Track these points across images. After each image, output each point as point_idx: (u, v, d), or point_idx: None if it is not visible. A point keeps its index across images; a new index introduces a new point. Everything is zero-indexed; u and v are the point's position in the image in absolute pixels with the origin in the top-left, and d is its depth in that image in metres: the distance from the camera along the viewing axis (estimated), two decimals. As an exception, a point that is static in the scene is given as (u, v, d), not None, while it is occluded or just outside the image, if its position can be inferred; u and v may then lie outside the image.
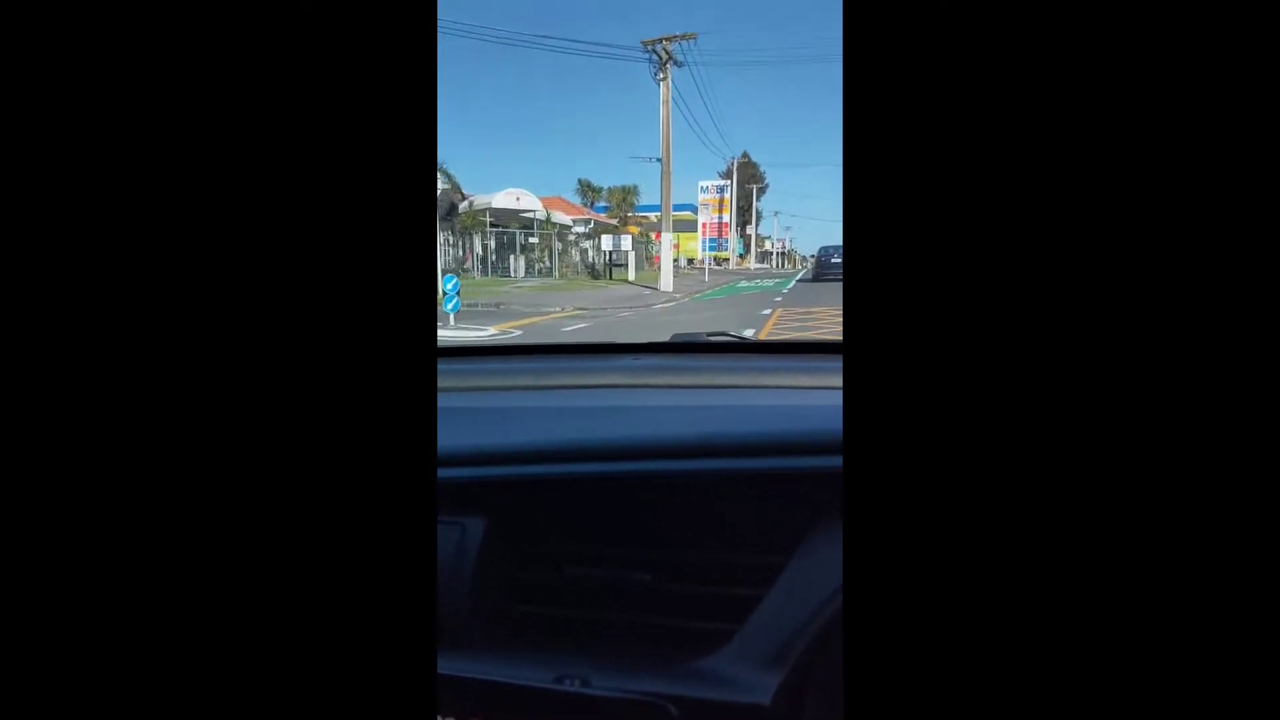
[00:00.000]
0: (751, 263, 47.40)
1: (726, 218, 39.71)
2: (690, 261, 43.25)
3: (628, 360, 0.98)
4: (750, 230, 40.33)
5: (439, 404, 0.47)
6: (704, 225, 40.93)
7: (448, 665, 0.47)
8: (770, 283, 22.06)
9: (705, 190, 40.42)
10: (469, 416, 0.75)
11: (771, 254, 54.83)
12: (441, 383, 0.59)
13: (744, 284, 21.63)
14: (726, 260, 39.20)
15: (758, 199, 53.51)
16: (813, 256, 25.98)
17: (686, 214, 43.73)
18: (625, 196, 29.62)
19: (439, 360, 0.59)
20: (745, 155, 53.32)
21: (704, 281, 20.80)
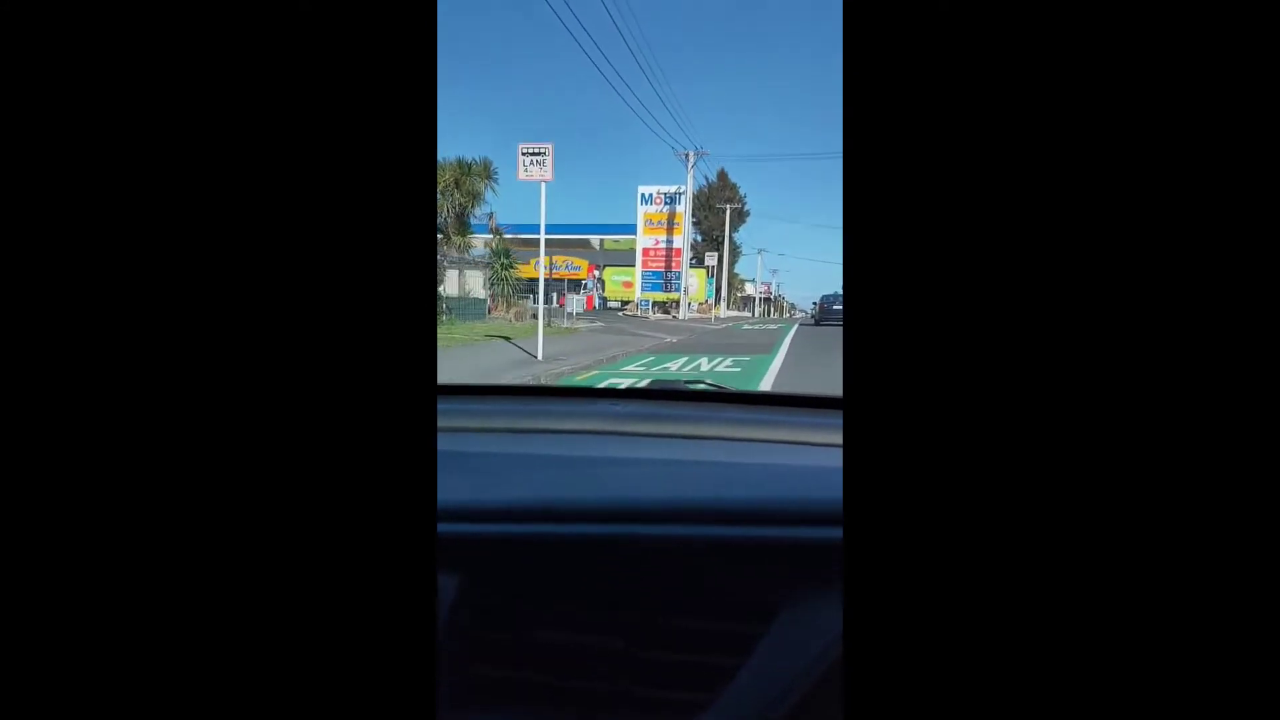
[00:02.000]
0: (722, 309, 34.14)
1: (679, 242, 26.21)
2: (623, 306, 29.80)
3: (607, 405, 0.97)
4: (715, 264, 26.87)
5: None
6: (645, 252, 27.33)
7: None
8: (740, 358, 9.14)
9: (648, 199, 26.97)
10: (444, 461, 0.68)
11: (753, 300, 41.75)
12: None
13: (672, 359, 8.96)
14: (675, 304, 25.79)
15: (734, 228, 40.37)
16: (814, 305, 21.13)
17: (623, 239, 30.42)
18: (467, 201, 15.62)
19: None
20: (722, 174, 40.60)
21: (620, 340, 11.38)
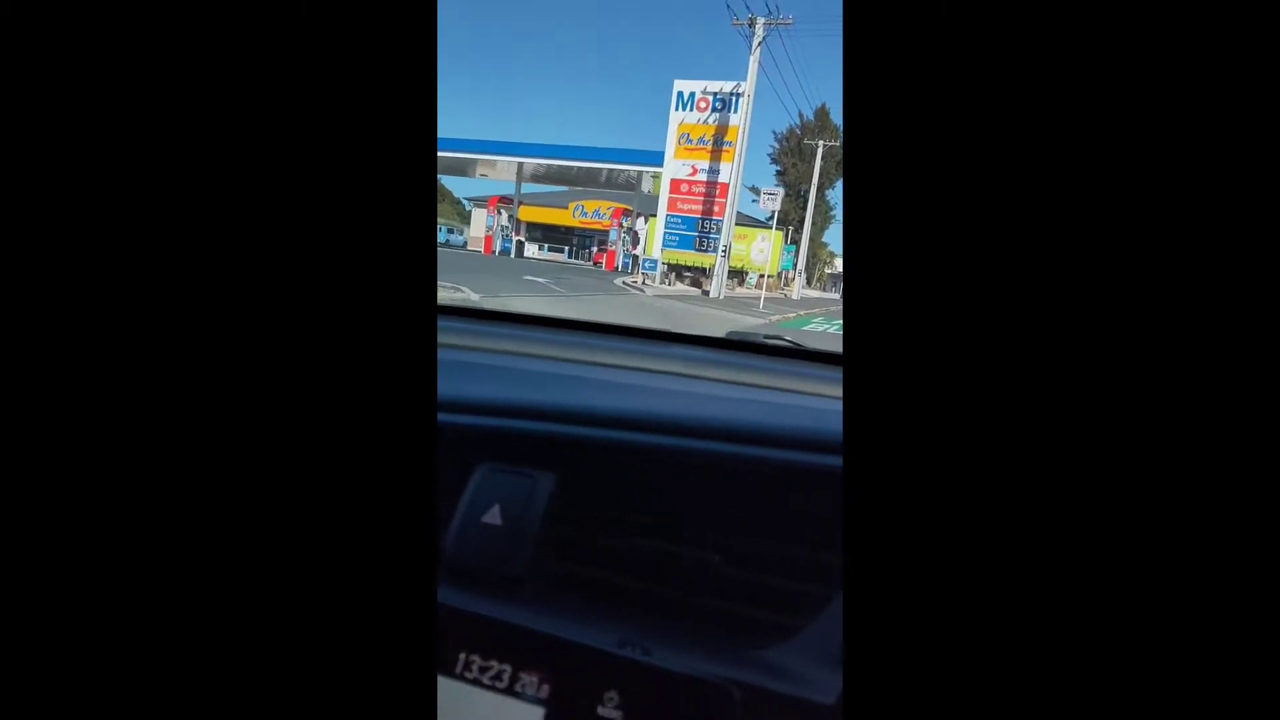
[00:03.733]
0: (796, 288, 24.19)
1: (726, 173, 16.47)
2: (633, 263, 20.35)
3: (684, 349, 0.96)
4: (778, 218, 17.03)
5: (508, 363, 0.61)
6: (675, 186, 17.68)
7: (508, 613, 0.49)
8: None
9: (687, 101, 17.21)
10: (539, 377, 0.78)
11: (842, 279, 31.47)
12: (507, 345, 0.76)
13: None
14: (706, 270, 16.18)
15: (828, 183, 29.90)
16: None
17: (652, 169, 20.79)
18: None
19: (501, 324, 0.74)
20: (822, 110, 30.04)
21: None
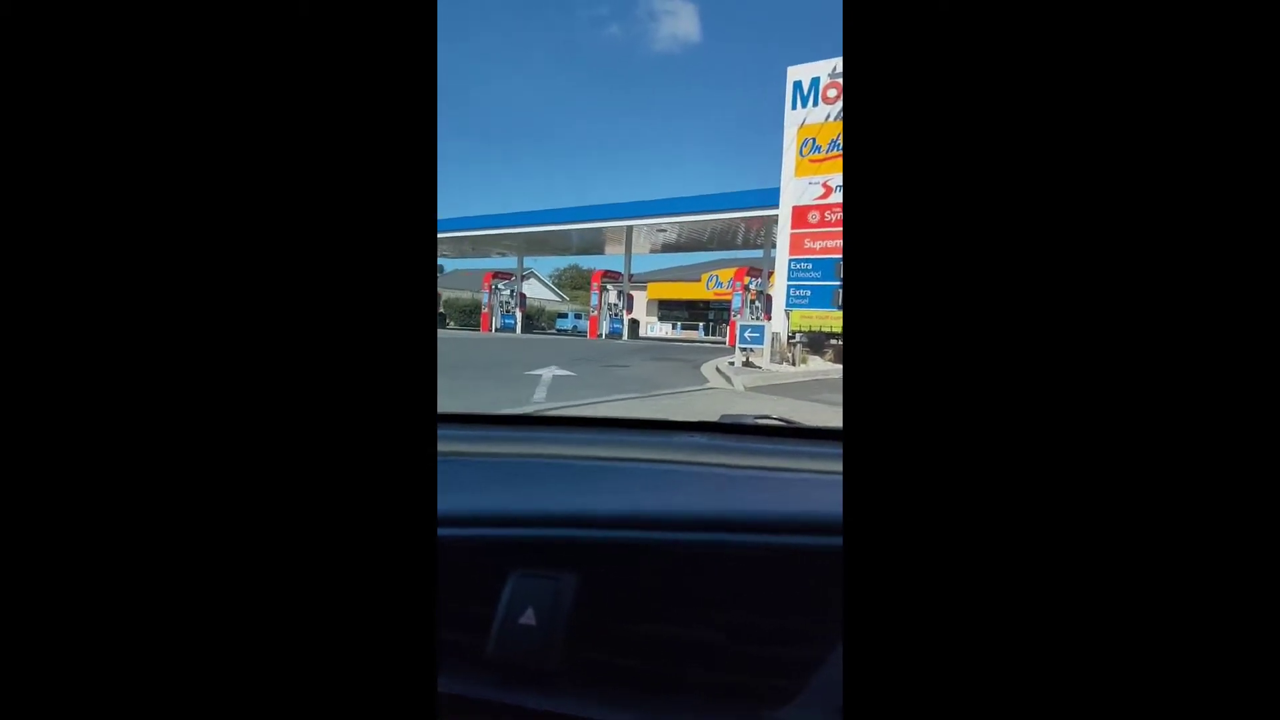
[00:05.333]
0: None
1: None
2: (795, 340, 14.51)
3: (682, 438, 1.02)
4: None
5: (526, 466, 0.71)
6: (797, 217, 11.99)
7: (547, 703, 0.55)
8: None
9: (807, 94, 11.71)
10: (557, 477, 0.85)
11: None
12: (523, 448, 0.85)
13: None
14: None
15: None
16: None
17: (762, 214, 15.14)
18: None
19: (519, 427, 0.79)
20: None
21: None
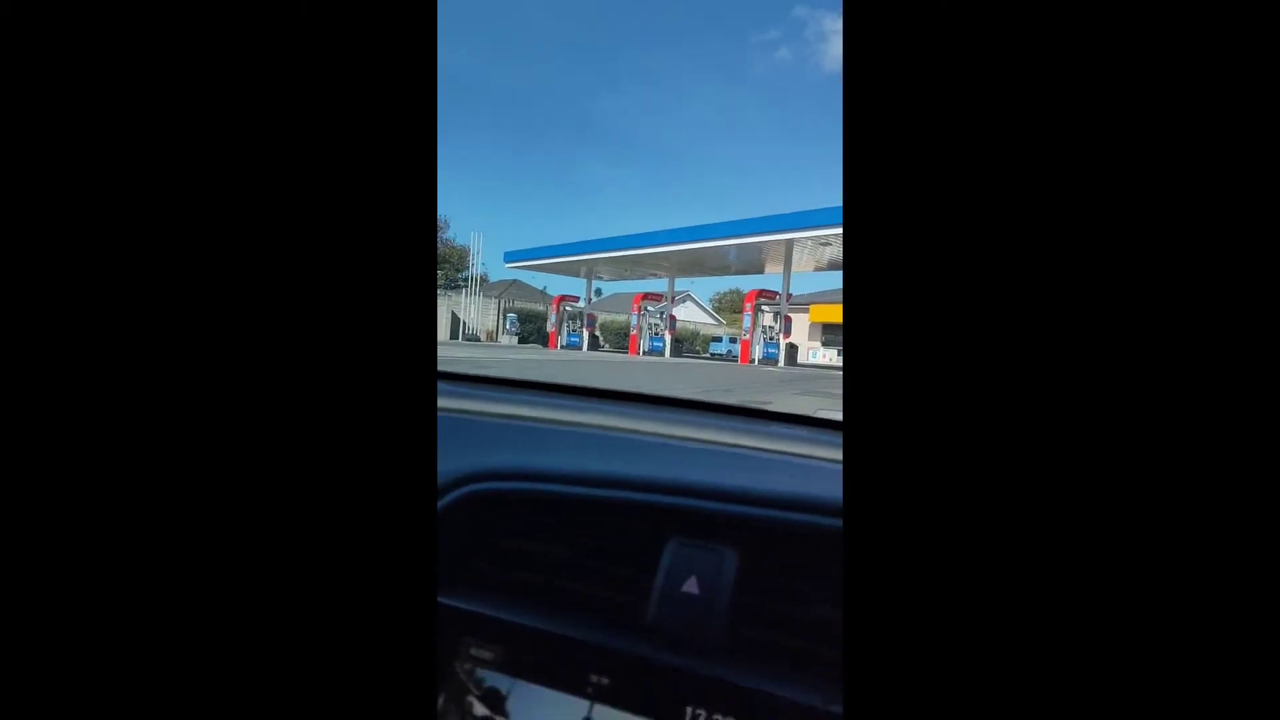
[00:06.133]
0: None
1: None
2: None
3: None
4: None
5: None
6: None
7: (708, 669, 0.55)
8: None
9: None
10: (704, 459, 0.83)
11: None
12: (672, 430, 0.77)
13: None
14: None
15: None
16: None
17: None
18: None
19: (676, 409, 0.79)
20: None
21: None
